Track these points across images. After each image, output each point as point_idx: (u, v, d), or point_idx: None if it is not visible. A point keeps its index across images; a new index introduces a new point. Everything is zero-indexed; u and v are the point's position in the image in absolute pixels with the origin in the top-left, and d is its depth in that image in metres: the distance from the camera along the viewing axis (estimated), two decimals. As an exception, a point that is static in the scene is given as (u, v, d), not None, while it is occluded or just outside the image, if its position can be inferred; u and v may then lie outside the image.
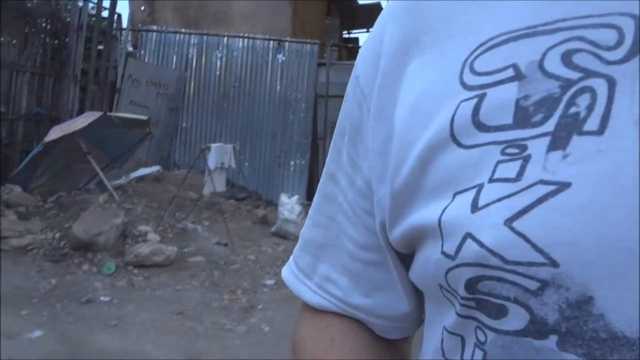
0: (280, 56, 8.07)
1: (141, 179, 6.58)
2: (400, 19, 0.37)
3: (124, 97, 7.31)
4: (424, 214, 0.32)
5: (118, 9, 7.88)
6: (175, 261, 4.59)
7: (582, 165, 0.26)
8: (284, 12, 9.40)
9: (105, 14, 7.63)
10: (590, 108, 0.26)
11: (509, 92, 0.29)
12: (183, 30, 8.22)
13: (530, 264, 0.26)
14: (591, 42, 0.27)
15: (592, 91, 0.26)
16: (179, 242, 5.04)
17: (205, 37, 8.05)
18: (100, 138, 5.62)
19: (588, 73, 0.27)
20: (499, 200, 0.28)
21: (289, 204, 6.18)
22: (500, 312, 0.28)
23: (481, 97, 0.30)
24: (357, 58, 0.41)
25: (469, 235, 0.28)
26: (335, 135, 0.44)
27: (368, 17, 13.21)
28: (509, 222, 0.27)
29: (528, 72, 0.29)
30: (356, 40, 15.62)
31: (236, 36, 8.06)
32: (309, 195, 7.74)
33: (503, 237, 0.27)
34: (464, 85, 0.31)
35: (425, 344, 0.38)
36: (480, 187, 0.29)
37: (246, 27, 8.62)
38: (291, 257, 0.49)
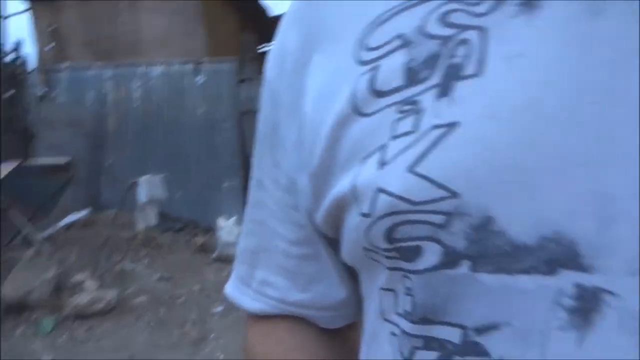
0: (198, 78, 7.97)
1: (70, 225, 6.34)
2: (299, 20, 0.41)
3: (40, 142, 7.03)
4: (340, 185, 0.35)
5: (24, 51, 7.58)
6: (117, 306, 4.44)
7: (466, 105, 0.29)
8: (198, 33, 9.29)
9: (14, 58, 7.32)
10: (467, 56, 0.30)
11: (399, 59, 0.32)
12: (95, 64, 8.00)
13: (434, 200, 0.29)
14: (461, 2, 0.31)
15: (467, 42, 0.30)
16: (119, 285, 4.88)
17: (119, 69, 7.85)
18: (20, 190, 5.37)
19: (462, 27, 0.31)
20: (401, 152, 0.31)
21: (227, 227, 6.10)
22: (417, 253, 0.31)
23: (376, 69, 0.33)
24: (266, 65, 0.45)
25: (379, 190, 0.31)
26: (257, 143, 0.47)
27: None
28: (411, 168, 0.30)
29: (413, 37, 0.32)
30: None
31: (151, 63, 7.90)
32: (247, 214, 7.65)
33: (408, 182, 0.30)
34: (360, 62, 0.34)
35: (365, 320, 0.39)
36: (384, 146, 0.32)
37: (161, 53, 8.47)
38: (232, 272, 0.51)
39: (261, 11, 12.55)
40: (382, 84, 0.33)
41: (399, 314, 0.33)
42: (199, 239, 6.57)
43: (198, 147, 7.87)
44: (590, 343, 0.26)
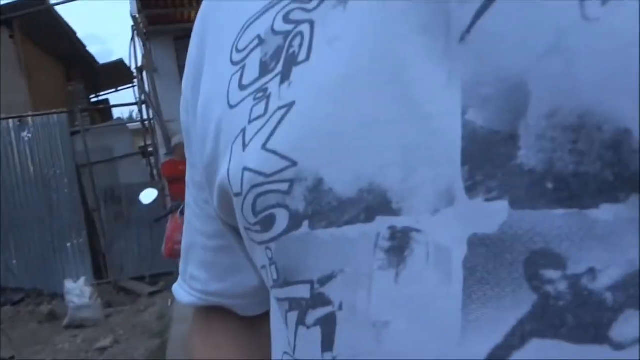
0: (25, 134, 7.35)
1: None
2: (195, 34, 0.47)
3: None
4: (221, 173, 0.39)
5: None
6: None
7: (300, 86, 0.34)
8: (19, 86, 8.63)
9: None
10: (300, 45, 0.35)
11: (257, 55, 0.38)
12: None
13: (280, 170, 0.33)
14: (299, 1, 0.36)
15: (301, 34, 0.35)
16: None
17: None
18: None
19: (298, 22, 0.36)
20: (256, 133, 0.35)
21: (76, 289, 5.62)
22: (271, 221, 0.34)
23: (243, 67, 0.39)
24: (184, 75, 0.49)
25: (244, 169, 0.35)
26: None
27: (113, 75, 12.80)
28: (263, 146, 0.34)
29: (265, 36, 0.38)
30: (106, 101, 14.98)
31: (-34, 122, 7.12)
32: (97, 273, 7.13)
33: (261, 158, 0.34)
34: (232, 63, 0.40)
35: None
36: (244, 130, 0.36)
37: (-24, 111, 7.66)
38: None
39: (87, 60, 12.07)
40: (246, 78, 0.38)
41: (272, 287, 0.36)
42: (45, 308, 5.96)
43: (34, 207, 7.18)
44: (404, 277, 0.29)
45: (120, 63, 12.33)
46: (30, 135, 7.32)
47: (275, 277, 0.35)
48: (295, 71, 0.34)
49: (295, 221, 0.33)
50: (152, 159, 8.18)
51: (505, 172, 0.27)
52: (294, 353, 0.35)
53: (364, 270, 0.30)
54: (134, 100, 9.62)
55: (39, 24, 8.99)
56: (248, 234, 0.37)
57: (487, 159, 0.27)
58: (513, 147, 0.27)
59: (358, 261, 0.31)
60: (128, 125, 9.51)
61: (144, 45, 7.13)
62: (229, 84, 0.39)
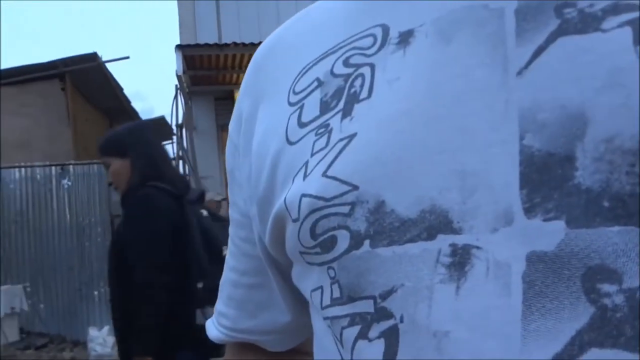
0: (65, 181, 7.56)
1: None
2: (250, 87, 0.49)
3: None
4: (278, 204, 0.41)
5: None
6: None
7: (361, 120, 0.37)
8: (64, 135, 8.95)
9: None
10: (362, 85, 0.38)
11: (317, 96, 0.41)
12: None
13: (341, 194, 0.35)
14: (359, 48, 0.40)
15: (362, 75, 0.38)
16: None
17: (-27, 173, 7.24)
18: None
19: (358, 66, 0.39)
20: (317, 164, 0.38)
21: (99, 337, 5.62)
22: (333, 243, 0.36)
23: (302, 107, 0.41)
24: (230, 126, 0.53)
25: (303, 195, 0.38)
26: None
27: (154, 132, 13.02)
28: (324, 173, 0.37)
29: (325, 79, 0.41)
30: None
31: (11, 167, 7.38)
32: (120, 323, 7.11)
33: (322, 184, 0.36)
34: (290, 104, 0.43)
35: (314, 331, 0.43)
36: (306, 162, 0.39)
37: (22, 156, 7.97)
38: None
39: (129, 114, 12.46)
40: (305, 117, 0.41)
41: (330, 305, 0.38)
42: (67, 354, 5.95)
43: (66, 254, 7.30)
44: (465, 290, 0.31)
45: (161, 119, 12.70)
46: (70, 183, 7.53)
47: (337, 294, 0.37)
48: (357, 107, 0.37)
49: (356, 241, 0.35)
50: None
51: (561, 193, 0.29)
52: None
53: (425, 284, 0.32)
54: (171, 156, 9.84)
55: (88, 78, 9.39)
56: (304, 258, 0.39)
57: (544, 181, 0.30)
58: (570, 169, 0.29)
59: (419, 275, 0.32)
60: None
61: (186, 103, 7.36)
62: (287, 122, 0.42)
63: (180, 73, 6.45)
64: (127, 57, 10.33)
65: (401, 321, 0.33)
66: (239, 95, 0.51)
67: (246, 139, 0.47)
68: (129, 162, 2.09)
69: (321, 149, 0.38)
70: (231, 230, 0.53)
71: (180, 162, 7.77)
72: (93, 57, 9.23)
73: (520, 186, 0.30)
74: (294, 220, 0.38)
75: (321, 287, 0.38)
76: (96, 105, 10.97)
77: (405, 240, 0.33)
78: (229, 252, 0.53)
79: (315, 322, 0.42)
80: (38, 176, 7.43)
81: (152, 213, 2.03)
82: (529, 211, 0.30)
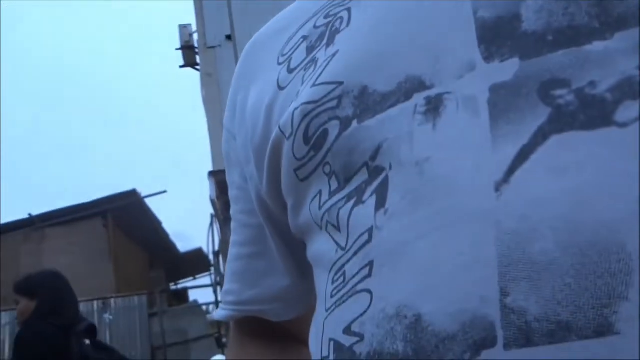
0: (107, 315, 7.64)
1: None
2: (240, 75, 0.53)
3: None
4: (273, 135, 0.43)
5: None
6: None
7: (342, 42, 0.41)
8: (106, 271, 9.16)
9: None
10: (341, 22, 0.43)
11: (303, 46, 0.45)
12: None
13: (329, 92, 0.39)
14: (336, 4, 0.45)
15: (341, 17, 0.43)
16: None
17: (19, 312, 7.38)
18: None
19: (337, 13, 0.44)
20: (306, 84, 0.42)
21: None
22: (325, 135, 0.39)
23: (289, 60, 0.46)
24: (225, 116, 0.55)
25: (294, 110, 0.40)
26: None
27: (192, 265, 13.15)
28: (313, 85, 0.40)
29: (309, 33, 0.45)
30: (184, 291, 14.89)
31: (55, 304, 7.50)
32: None
33: (311, 92, 0.40)
34: (278, 64, 0.47)
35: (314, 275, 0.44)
36: (298, 92, 0.42)
37: (65, 293, 8.10)
38: None
39: (169, 249, 12.68)
40: (293, 64, 0.45)
41: (328, 199, 0.40)
42: None
43: (107, 388, 7.19)
44: (440, 125, 0.34)
45: (199, 251, 12.87)
46: (111, 317, 7.60)
47: (335, 185, 0.39)
48: (338, 37, 0.42)
49: (345, 124, 0.38)
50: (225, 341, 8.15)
51: (513, 40, 0.34)
52: (346, 245, 0.38)
53: (405, 131, 0.35)
54: (210, 283, 9.88)
55: (129, 214, 9.76)
56: (298, 175, 0.42)
57: (497, 35, 0.34)
58: (517, 22, 0.34)
59: (400, 127, 0.36)
60: (203, 307, 9.66)
61: (221, 229, 7.51)
62: (278, 75, 0.46)
63: (214, 198, 6.63)
64: (165, 192, 10.79)
65: (390, 169, 0.36)
66: (232, 90, 0.54)
67: (241, 118, 0.50)
68: (35, 304, 2.39)
69: (310, 74, 0.42)
70: (232, 209, 0.55)
71: (219, 288, 7.78)
72: (133, 193, 9.66)
73: (478, 44, 0.35)
74: (289, 137, 0.41)
75: (319, 191, 0.40)
76: (137, 240, 11.25)
77: (387, 107, 0.36)
78: (232, 229, 0.56)
79: (317, 275, 0.43)
80: (82, 310, 7.51)
81: (32, 341, 2.34)
82: (487, 59, 0.34)
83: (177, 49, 7.38)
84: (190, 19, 7.18)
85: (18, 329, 2.51)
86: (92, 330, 2.60)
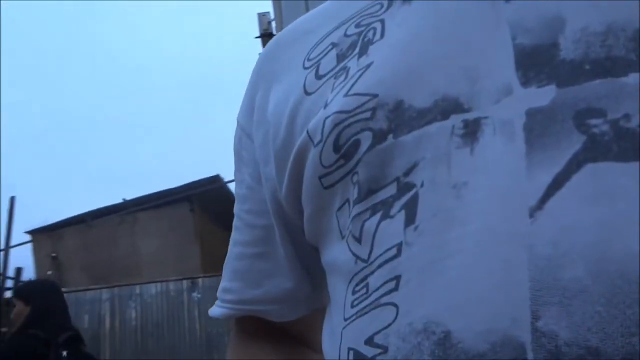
0: (195, 294, 7.97)
1: None
2: (262, 73, 0.52)
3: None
4: (299, 140, 0.43)
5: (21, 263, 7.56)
6: None
7: (376, 54, 0.41)
8: (193, 251, 9.52)
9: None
10: (374, 33, 0.43)
11: (332, 53, 0.45)
12: (93, 287, 8.05)
13: (363, 103, 0.39)
14: (369, 14, 0.45)
15: (374, 28, 0.43)
16: None
17: (116, 289, 7.89)
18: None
19: (369, 24, 0.44)
20: (337, 92, 0.41)
21: None
22: (356, 146, 0.39)
23: (317, 65, 0.45)
24: (238, 113, 0.55)
25: (325, 118, 0.40)
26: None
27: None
28: (345, 95, 0.40)
29: (339, 40, 0.45)
30: None
31: (148, 282, 7.97)
32: None
33: (343, 102, 0.39)
34: (305, 68, 0.46)
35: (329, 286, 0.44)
36: (326, 100, 0.42)
37: (157, 273, 8.59)
38: None
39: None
40: (322, 70, 0.44)
41: (351, 209, 0.39)
42: None
43: (197, 364, 7.58)
44: (478, 149, 0.34)
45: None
46: (199, 295, 7.94)
47: (356, 195, 0.39)
48: (372, 47, 0.42)
49: (379, 137, 0.38)
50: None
51: (551, 67, 0.34)
52: (368, 257, 0.37)
53: (443, 151, 0.35)
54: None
55: (213, 199, 10.11)
56: (323, 182, 0.41)
57: (535, 62, 0.35)
58: (555, 50, 0.35)
59: (437, 147, 0.35)
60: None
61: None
62: (304, 80, 0.45)
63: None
64: (247, 176, 10.96)
65: (422, 186, 0.35)
66: (250, 87, 0.53)
67: (260, 117, 0.49)
68: (29, 310, 2.54)
69: (340, 83, 0.41)
70: (236, 207, 0.54)
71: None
72: (216, 179, 10.00)
73: (516, 69, 0.35)
74: (317, 144, 0.41)
75: (347, 199, 0.40)
76: (221, 222, 11.62)
77: (423, 123, 0.36)
78: (234, 228, 0.54)
79: (331, 280, 0.43)
80: (171, 290, 7.92)
81: (11, 357, 2.52)
82: (525, 84, 0.34)
83: (256, 37, 7.55)
84: (268, 6, 7.32)
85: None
86: (74, 340, 2.71)
